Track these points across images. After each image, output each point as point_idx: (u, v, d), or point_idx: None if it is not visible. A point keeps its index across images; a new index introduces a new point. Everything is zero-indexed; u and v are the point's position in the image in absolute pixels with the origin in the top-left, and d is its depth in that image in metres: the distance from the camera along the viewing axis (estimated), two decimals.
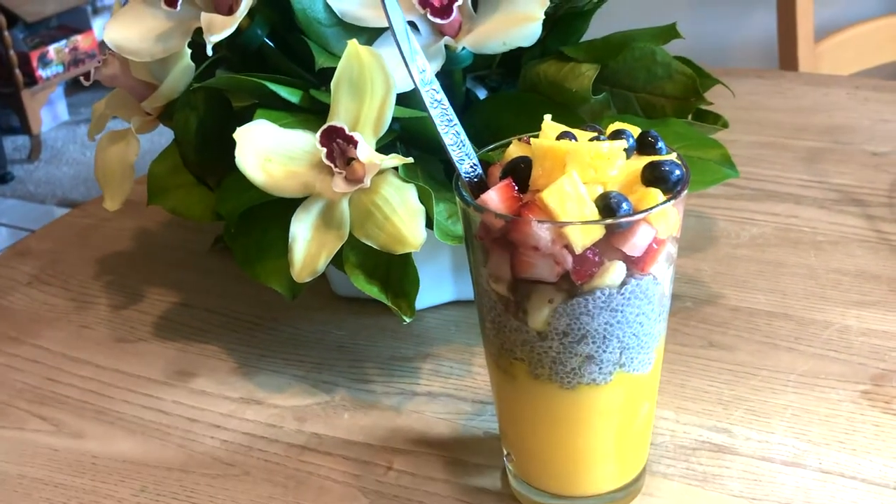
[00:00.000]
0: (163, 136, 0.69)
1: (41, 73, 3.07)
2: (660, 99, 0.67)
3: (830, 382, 0.61)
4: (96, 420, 0.65)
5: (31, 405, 0.67)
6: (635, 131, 0.48)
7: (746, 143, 0.90)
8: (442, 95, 0.48)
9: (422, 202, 0.58)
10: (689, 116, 0.68)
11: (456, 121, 0.49)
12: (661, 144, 0.47)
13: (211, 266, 0.81)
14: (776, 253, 0.74)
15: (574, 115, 0.64)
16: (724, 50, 1.94)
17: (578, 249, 0.44)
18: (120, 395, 0.67)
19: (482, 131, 0.61)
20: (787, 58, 1.40)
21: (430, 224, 0.59)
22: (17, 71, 2.97)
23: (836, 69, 1.40)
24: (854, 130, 0.92)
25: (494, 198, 0.46)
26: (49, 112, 3.25)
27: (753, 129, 0.93)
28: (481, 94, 0.70)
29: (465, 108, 0.67)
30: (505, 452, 0.55)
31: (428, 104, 0.48)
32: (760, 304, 0.69)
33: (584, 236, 0.44)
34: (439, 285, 0.70)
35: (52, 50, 3.09)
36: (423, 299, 0.69)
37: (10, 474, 0.61)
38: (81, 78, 0.70)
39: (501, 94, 0.70)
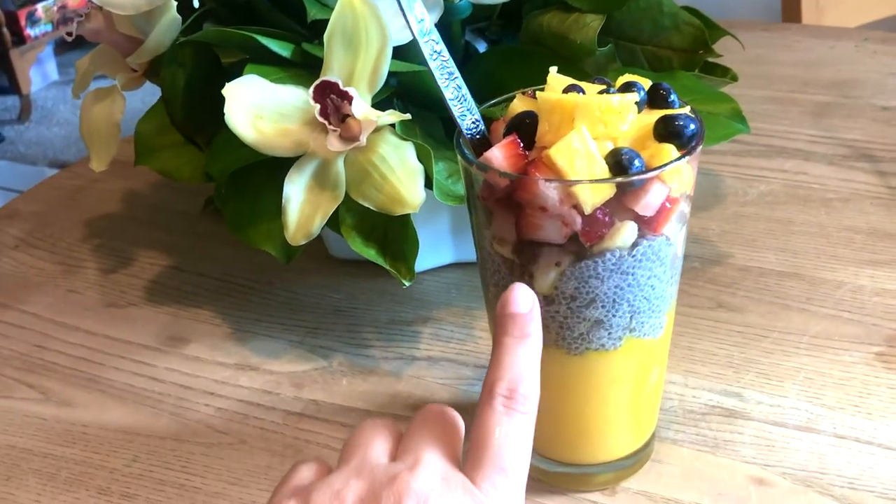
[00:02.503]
0: (156, 94, 0.66)
1: (29, 31, 3.02)
2: (666, 51, 0.65)
3: (844, 344, 0.59)
4: (86, 388, 0.63)
5: (19, 373, 0.65)
6: (646, 84, 0.45)
7: (753, 97, 0.87)
8: (442, 46, 0.46)
9: (420, 161, 0.56)
10: (697, 69, 0.65)
11: (457, 74, 0.46)
12: (673, 97, 0.45)
13: (203, 228, 0.78)
14: (785, 210, 0.72)
15: (578, 68, 0.61)
16: (724, 2, 1.90)
17: (588, 209, 0.42)
18: (110, 361, 0.65)
19: (482, 87, 0.58)
20: (789, 10, 1.37)
21: (428, 184, 0.57)
22: (5, 30, 2.92)
23: (839, 23, 1.37)
24: (862, 84, 0.90)
25: (498, 155, 0.43)
26: (39, 72, 3.21)
27: (760, 83, 0.91)
28: (481, 47, 0.67)
29: (463, 62, 0.65)
30: None
31: (427, 56, 0.45)
32: (770, 264, 0.67)
33: (594, 195, 0.41)
34: (439, 247, 0.68)
35: (40, 8, 3.03)
36: (423, 261, 0.66)
37: None
38: (65, 34, 0.67)
39: (502, 47, 0.67)
